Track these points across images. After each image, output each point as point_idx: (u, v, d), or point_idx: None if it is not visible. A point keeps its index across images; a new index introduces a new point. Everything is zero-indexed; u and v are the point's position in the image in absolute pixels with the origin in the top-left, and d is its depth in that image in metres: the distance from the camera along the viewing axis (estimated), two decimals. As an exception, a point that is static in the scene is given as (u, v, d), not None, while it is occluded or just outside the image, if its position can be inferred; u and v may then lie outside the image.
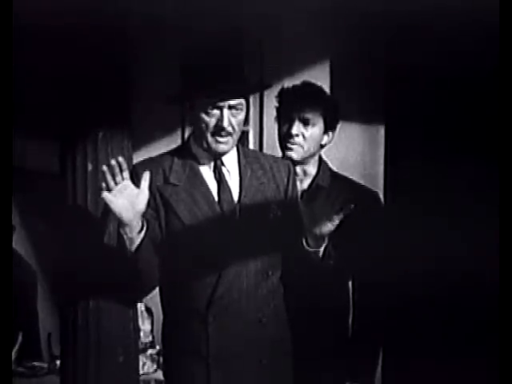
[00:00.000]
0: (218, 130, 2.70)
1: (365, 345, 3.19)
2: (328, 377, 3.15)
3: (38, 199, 4.26)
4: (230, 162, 2.81)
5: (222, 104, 2.68)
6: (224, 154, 2.76)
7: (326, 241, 2.76)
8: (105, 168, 2.57)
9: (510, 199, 2.50)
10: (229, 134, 2.71)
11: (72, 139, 2.95)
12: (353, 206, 2.67)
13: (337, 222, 2.69)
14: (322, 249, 2.76)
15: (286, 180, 2.87)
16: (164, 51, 4.12)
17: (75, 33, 2.85)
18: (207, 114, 2.69)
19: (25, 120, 3.62)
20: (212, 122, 2.70)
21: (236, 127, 2.72)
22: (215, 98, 2.68)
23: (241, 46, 3.98)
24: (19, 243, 4.42)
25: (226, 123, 2.68)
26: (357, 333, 3.19)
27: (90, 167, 2.92)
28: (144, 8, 2.96)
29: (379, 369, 3.64)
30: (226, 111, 2.69)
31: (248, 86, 2.88)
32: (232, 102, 2.69)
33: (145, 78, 3.98)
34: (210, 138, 2.72)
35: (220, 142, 2.72)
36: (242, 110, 2.73)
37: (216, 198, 2.77)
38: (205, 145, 2.74)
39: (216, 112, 2.69)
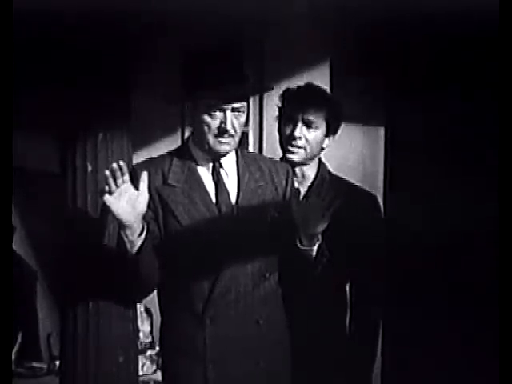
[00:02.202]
0: (221, 132, 2.70)
1: (362, 344, 3.20)
2: (326, 377, 3.15)
3: (38, 199, 4.27)
4: (229, 163, 2.81)
5: (225, 106, 2.68)
6: (225, 154, 2.76)
7: (319, 239, 2.75)
8: (107, 172, 2.57)
9: (510, 198, 2.50)
10: (231, 135, 2.71)
11: (72, 139, 2.94)
12: (342, 200, 2.67)
13: (328, 218, 2.69)
14: (315, 247, 2.76)
15: (284, 182, 2.87)
16: (164, 51, 4.13)
17: (75, 33, 2.85)
18: (210, 115, 2.69)
19: (25, 120, 3.62)
20: (215, 123, 2.70)
21: (238, 129, 2.72)
22: (220, 101, 2.68)
23: (241, 47, 3.98)
24: (19, 243, 4.42)
25: (229, 125, 2.69)
26: (354, 332, 3.19)
27: (89, 168, 2.92)
28: (144, 8, 2.96)
29: (378, 368, 3.65)
30: (229, 113, 2.69)
31: (252, 89, 2.87)
32: (235, 105, 2.69)
33: (145, 78, 3.98)
34: (211, 140, 2.72)
35: (222, 143, 2.71)
36: (244, 112, 2.73)
37: (214, 200, 2.77)
38: (206, 146, 2.74)
39: (219, 114, 2.69)
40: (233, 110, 2.70)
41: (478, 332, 3.83)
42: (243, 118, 2.74)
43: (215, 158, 2.77)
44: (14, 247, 4.35)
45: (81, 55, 2.88)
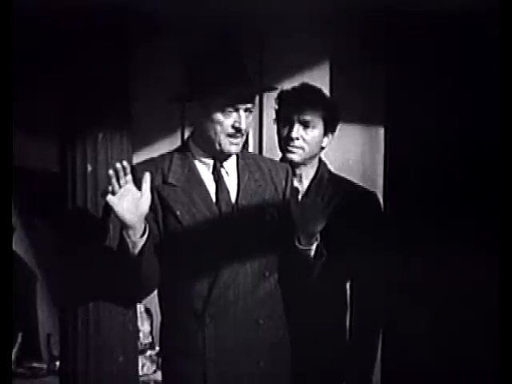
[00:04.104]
0: (235, 131, 2.71)
1: (362, 345, 3.19)
2: (326, 378, 3.15)
3: (38, 199, 4.26)
4: (229, 163, 2.81)
5: (240, 106, 2.70)
6: (231, 155, 2.76)
7: (318, 238, 2.75)
8: (111, 172, 2.57)
9: (509, 197, 2.51)
10: (241, 135, 2.72)
11: (72, 140, 2.94)
12: (341, 198, 2.68)
13: (326, 217, 2.68)
14: (313, 247, 2.75)
15: (284, 182, 2.88)
16: (164, 51, 4.13)
17: (75, 33, 2.85)
18: (225, 115, 2.70)
19: (25, 120, 3.61)
20: (228, 123, 2.71)
21: (247, 129, 2.75)
22: (236, 101, 2.69)
23: (242, 47, 3.98)
24: (19, 243, 4.42)
25: (243, 125, 2.70)
26: (354, 333, 3.19)
27: (89, 168, 2.91)
28: (144, 8, 2.96)
29: (379, 369, 3.65)
30: (242, 113, 2.71)
31: (262, 88, 2.90)
32: (248, 105, 2.72)
33: (145, 78, 3.98)
34: (224, 139, 2.72)
35: (233, 144, 2.73)
36: (252, 112, 2.76)
37: (214, 199, 2.77)
38: (217, 146, 2.74)
39: (233, 114, 2.70)
40: (245, 109, 2.72)
41: (479, 333, 3.83)
42: (251, 118, 2.76)
43: (220, 158, 2.78)
44: (13, 247, 4.34)
45: (81, 55, 2.88)
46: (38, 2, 2.73)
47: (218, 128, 2.71)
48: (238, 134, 2.72)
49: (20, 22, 2.79)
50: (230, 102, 2.69)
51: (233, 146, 2.74)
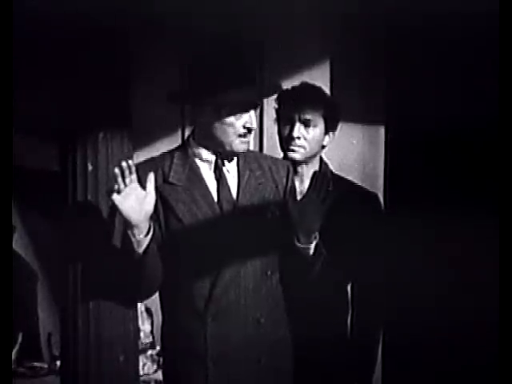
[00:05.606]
0: (248, 131, 2.73)
1: (363, 344, 3.20)
2: (327, 376, 3.15)
3: (38, 199, 4.27)
4: (230, 161, 2.81)
5: (252, 107, 2.73)
6: (239, 153, 2.78)
7: (317, 237, 2.75)
8: (117, 170, 2.58)
9: (509, 196, 2.51)
10: (251, 134, 2.75)
11: (72, 139, 2.94)
12: (337, 193, 2.72)
13: (323, 213, 2.68)
14: (312, 245, 2.76)
15: (284, 180, 2.89)
16: (164, 51, 4.13)
17: (75, 33, 2.85)
18: (236, 117, 2.71)
19: (25, 120, 3.61)
20: (239, 123, 2.72)
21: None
22: (247, 106, 2.71)
23: (241, 47, 3.98)
24: (19, 243, 4.42)
25: (254, 125, 2.74)
26: (355, 332, 3.19)
27: (90, 167, 2.92)
28: (144, 8, 2.97)
29: (379, 369, 3.65)
30: (252, 113, 2.73)
31: (270, 88, 2.93)
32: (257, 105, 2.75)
33: (145, 78, 3.98)
34: (236, 140, 2.73)
35: (243, 143, 2.75)
36: (258, 107, 2.78)
37: (215, 198, 2.77)
38: (227, 147, 2.74)
39: (244, 115, 2.72)
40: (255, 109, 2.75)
41: (479, 332, 3.83)
42: (257, 113, 2.78)
43: (226, 157, 2.78)
44: (14, 247, 4.35)
45: (81, 55, 2.88)
46: (38, 2, 2.73)
47: (231, 130, 2.73)
48: (249, 134, 2.74)
49: (20, 22, 2.79)
50: (244, 105, 2.71)
51: (242, 145, 2.75)
